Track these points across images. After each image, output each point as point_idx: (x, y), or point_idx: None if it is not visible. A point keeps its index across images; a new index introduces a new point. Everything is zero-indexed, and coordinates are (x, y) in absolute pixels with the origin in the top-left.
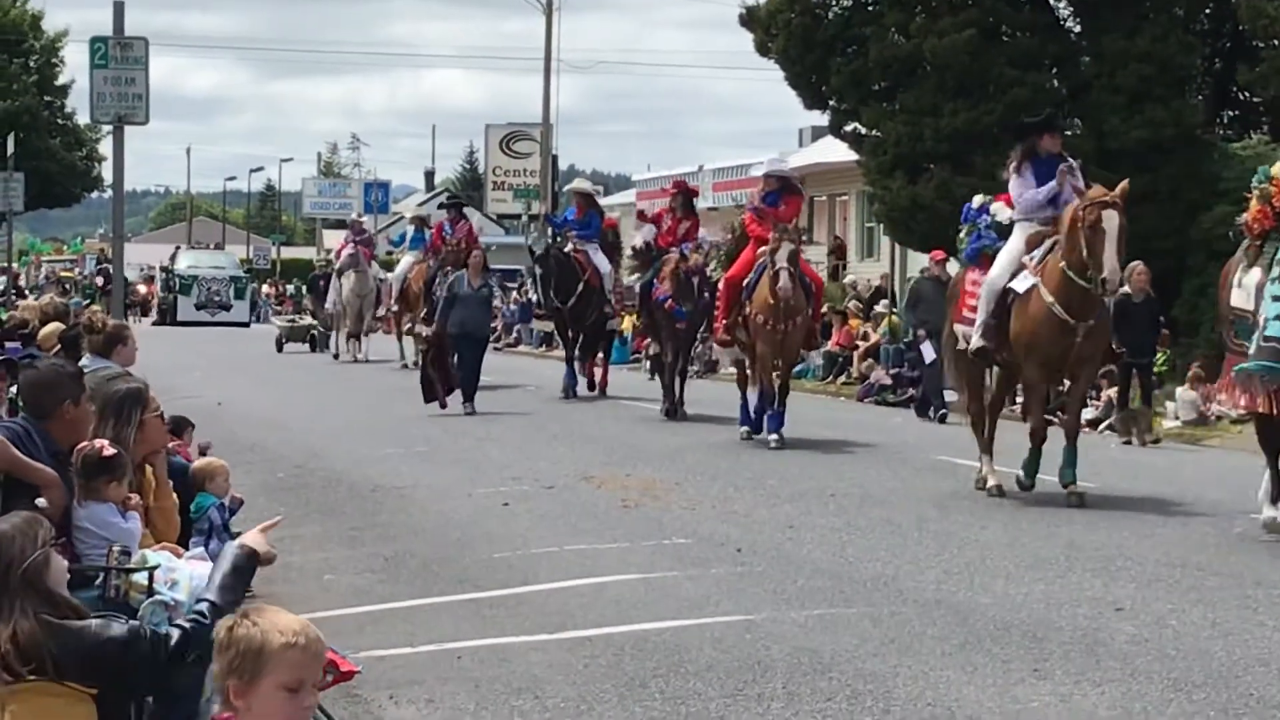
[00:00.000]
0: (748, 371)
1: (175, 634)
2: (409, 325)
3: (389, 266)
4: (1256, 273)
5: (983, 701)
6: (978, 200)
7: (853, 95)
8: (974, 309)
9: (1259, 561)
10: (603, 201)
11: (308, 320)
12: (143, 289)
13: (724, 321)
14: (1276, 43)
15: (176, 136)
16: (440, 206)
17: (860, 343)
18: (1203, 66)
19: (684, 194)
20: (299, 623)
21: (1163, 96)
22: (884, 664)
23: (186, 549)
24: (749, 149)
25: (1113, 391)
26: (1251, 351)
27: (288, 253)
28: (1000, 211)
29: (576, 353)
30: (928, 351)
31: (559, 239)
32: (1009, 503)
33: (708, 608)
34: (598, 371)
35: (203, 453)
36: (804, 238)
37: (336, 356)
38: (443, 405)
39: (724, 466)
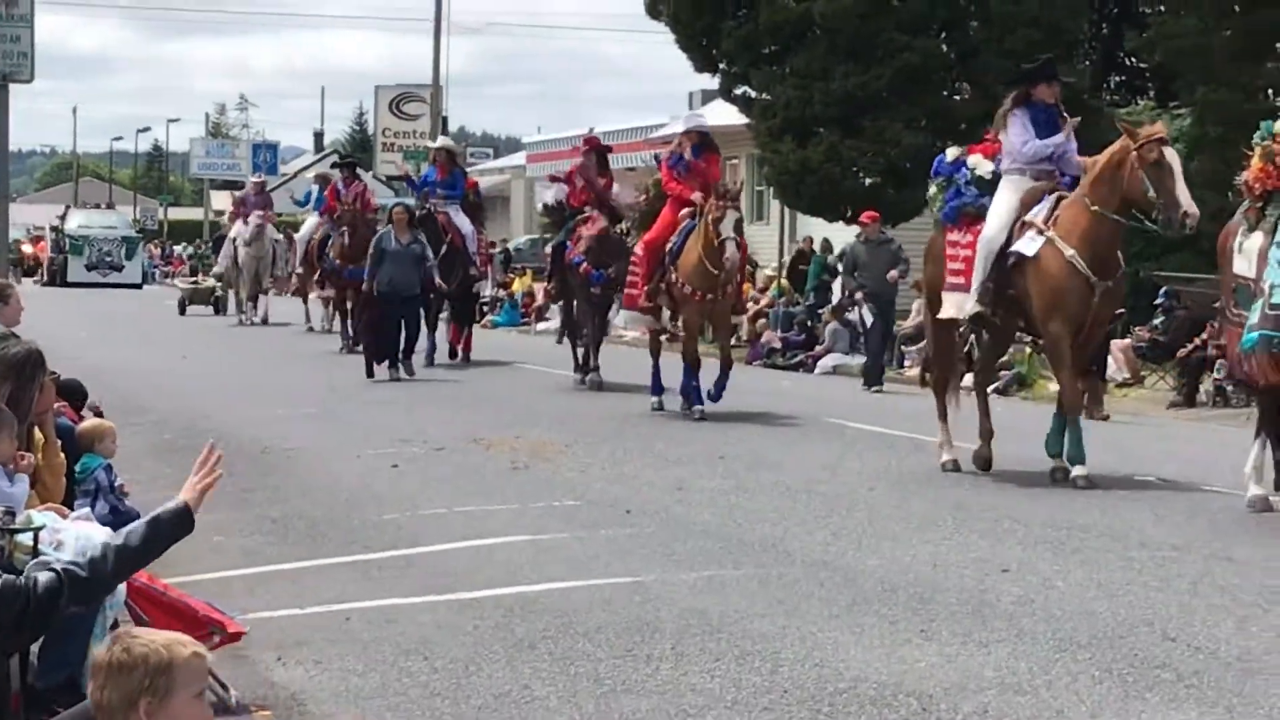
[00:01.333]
0: (663, 340)
1: (45, 578)
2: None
3: (295, 227)
4: (1258, 237)
5: (870, 662)
6: (951, 153)
7: (743, 59)
8: (958, 273)
9: (1143, 523)
10: (494, 163)
11: (210, 282)
12: (29, 249)
13: (645, 288)
14: (1163, 9)
15: (62, 96)
16: (333, 166)
17: (750, 305)
18: (1090, 32)
19: (597, 151)
20: (182, 634)
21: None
22: (772, 625)
23: (72, 510)
24: (640, 112)
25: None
26: (1254, 321)
27: (175, 214)
28: (980, 165)
29: (441, 317)
30: (866, 316)
31: (421, 200)
32: (896, 466)
33: (596, 569)
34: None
35: (96, 414)
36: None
37: (241, 320)
38: (369, 374)
39: (613, 430)
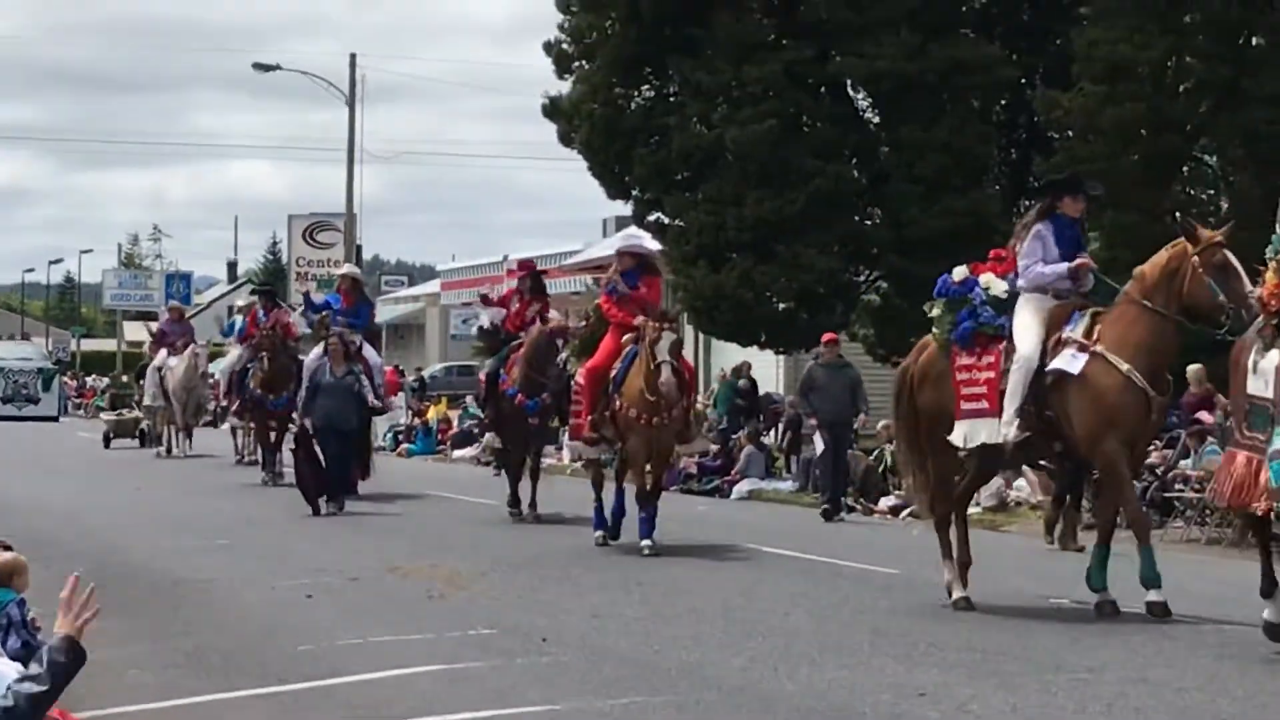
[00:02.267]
0: (605, 470)
1: None
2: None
3: (214, 358)
4: (1275, 355)
5: None
6: (958, 273)
7: (656, 185)
8: (977, 397)
9: (1058, 646)
10: (408, 291)
11: (135, 414)
12: None
13: (589, 417)
14: (1071, 134)
15: None
16: (252, 293)
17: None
18: (1000, 157)
19: (533, 275)
20: None
21: (961, 186)
22: None
23: None
24: (553, 239)
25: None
26: (1277, 447)
27: (88, 345)
28: (994, 285)
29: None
30: (819, 443)
31: (318, 325)
32: (813, 590)
33: (513, 698)
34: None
35: (4, 548)
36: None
37: (169, 452)
38: (315, 510)
39: (530, 556)
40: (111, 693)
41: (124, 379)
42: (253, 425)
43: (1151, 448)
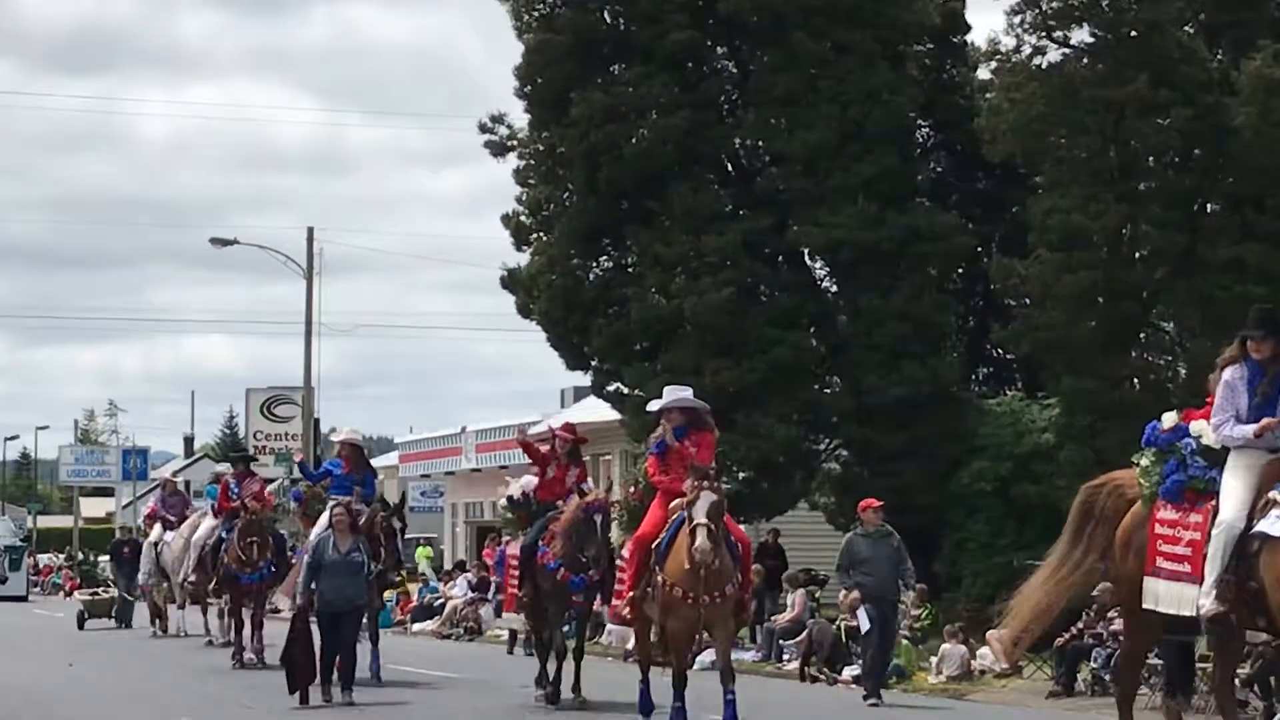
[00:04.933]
0: (652, 653)
1: None
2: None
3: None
4: None
5: None
6: (1168, 420)
7: (614, 355)
8: (1179, 558)
9: None
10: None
11: (112, 593)
12: None
13: (630, 594)
14: (1028, 301)
15: None
16: (227, 459)
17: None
18: (957, 324)
19: (574, 441)
20: None
21: (919, 354)
22: None
23: None
24: (512, 409)
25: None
26: None
27: (44, 521)
28: (1205, 433)
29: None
30: (863, 620)
31: (307, 497)
32: None
33: None
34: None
35: None
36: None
37: (165, 631)
38: (303, 700)
39: None
40: None
41: (82, 556)
42: (222, 602)
43: (1113, 613)
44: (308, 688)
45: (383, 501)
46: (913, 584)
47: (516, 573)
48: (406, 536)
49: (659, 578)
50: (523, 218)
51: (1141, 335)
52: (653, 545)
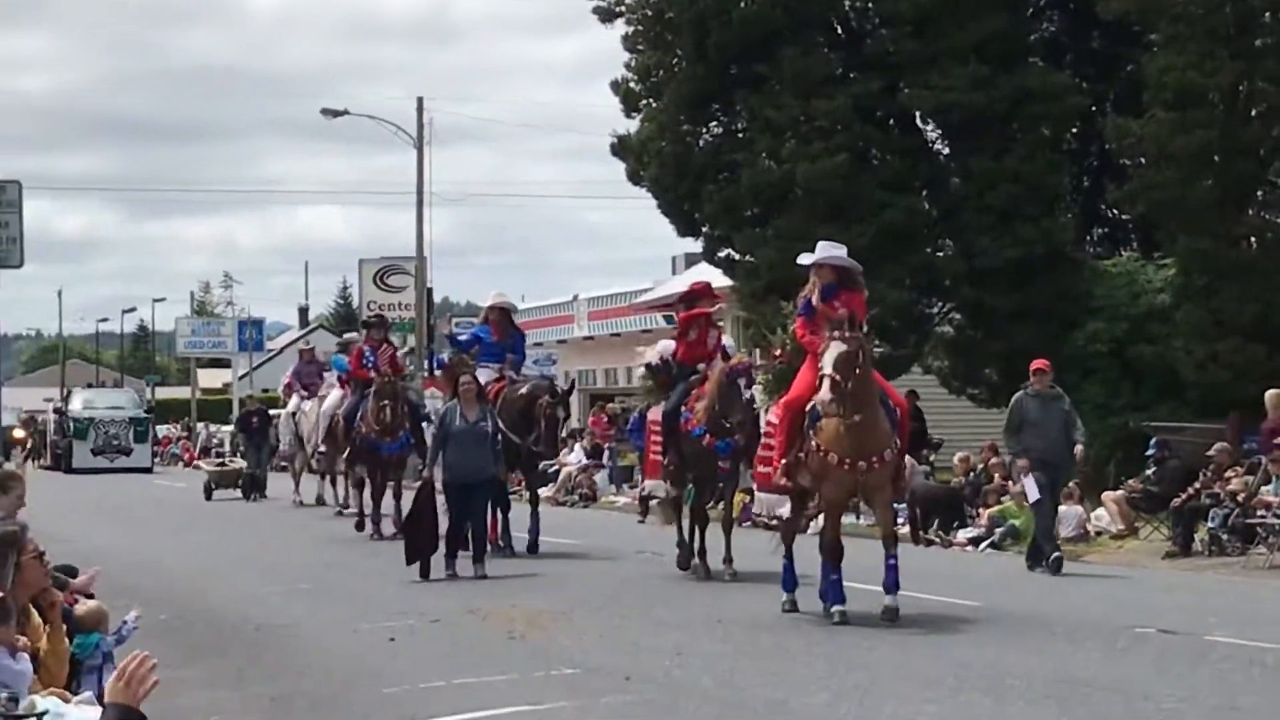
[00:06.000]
0: (803, 521)
1: None
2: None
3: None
4: None
5: None
6: None
7: (725, 221)
8: None
9: (1146, 676)
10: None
11: (239, 464)
12: (20, 433)
13: (781, 460)
14: (1143, 161)
15: (47, 279)
16: (362, 325)
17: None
18: (1071, 185)
19: (688, 297)
20: None
21: (1033, 215)
22: None
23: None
24: (623, 277)
25: (992, 510)
26: None
27: (162, 393)
28: None
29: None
30: (1031, 488)
31: (455, 362)
32: (898, 624)
33: None
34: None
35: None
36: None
37: (304, 502)
38: (424, 574)
39: (610, 596)
40: None
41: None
42: (353, 473)
43: (1232, 473)
44: (428, 560)
45: (550, 386)
46: (1083, 443)
47: (659, 439)
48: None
49: (813, 443)
50: (632, 84)
51: (1258, 193)
52: (805, 409)
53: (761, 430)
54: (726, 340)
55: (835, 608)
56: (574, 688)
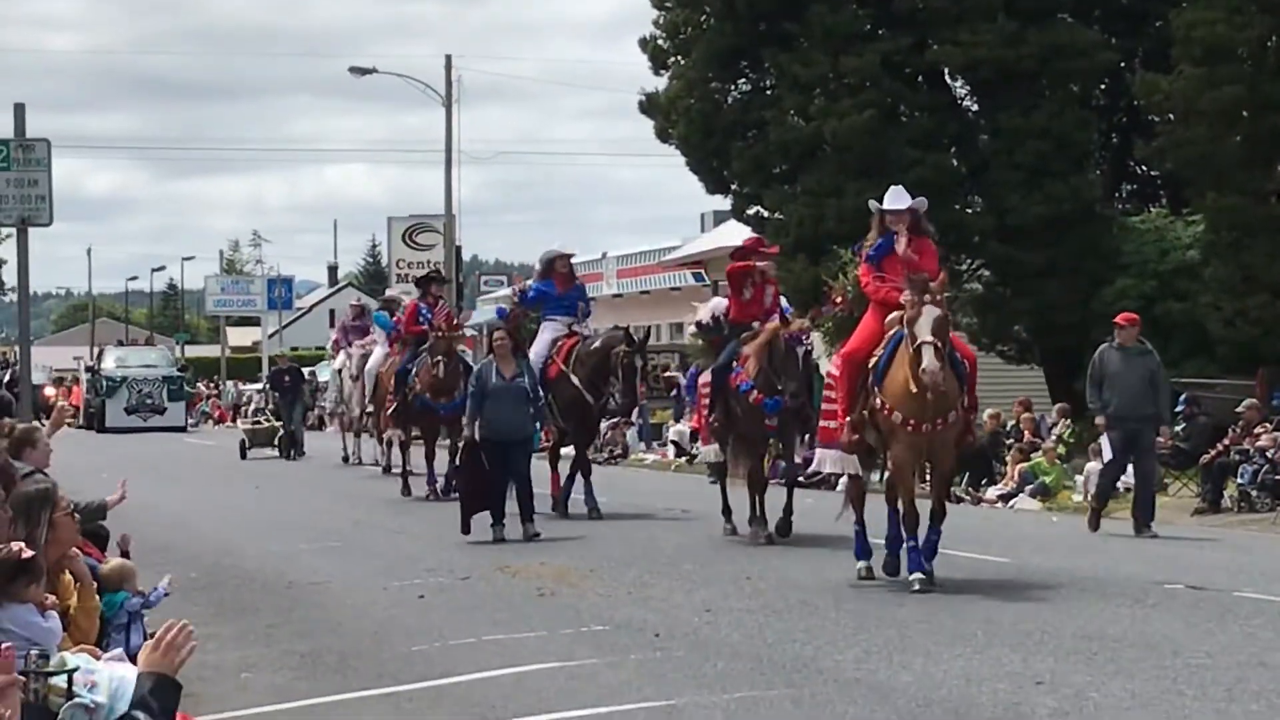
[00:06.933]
0: (875, 484)
1: None
2: (385, 426)
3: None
4: None
5: None
6: None
7: (754, 179)
8: None
9: (1175, 632)
10: (508, 291)
11: (273, 422)
12: (50, 391)
13: (846, 418)
14: (1172, 117)
15: (76, 238)
16: (417, 283)
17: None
18: (1100, 142)
19: (743, 251)
20: None
21: (1061, 172)
22: None
23: (105, 651)
24: (652, 235)
25: (1023, 465)
26: None
27: (191, 351)
28: None
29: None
30: (1105, 448)
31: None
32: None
33: (629, 694)
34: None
35: (123, 551)
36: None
37: (347, 459)
38: (465, 529)
39: (638, 553)
40: (227, 695)
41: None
42: (401, 434)
43: (1261, 429)
44: (470, 519)
45: (627, 335)
46: (1165, 414)
47: (708, 401)
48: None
49: (876, 400)
50: (660, 41)
51: None
52: (869, 364)
53: (821, 389)
54: (784, 303)
55: (914, 575)
56: (603, 645)
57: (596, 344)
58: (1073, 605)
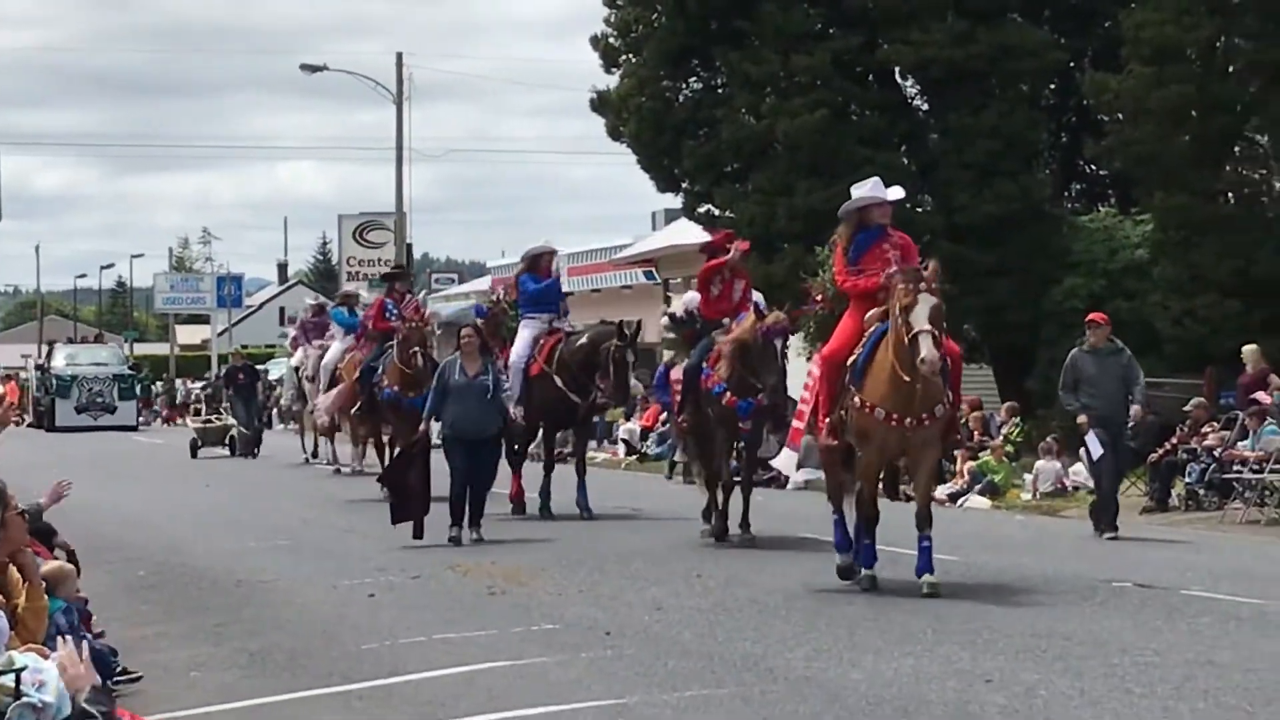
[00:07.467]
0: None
1: None
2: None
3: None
4: None
5: None
6: None
7: (705, 177)
8: None
9: (1123, 630)
10: (459, 289)
11: (225, 420)
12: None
13: (826, 417)
14: (1121, 116)
15: (24, 235)
16: (383, 278)
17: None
18: (1050, 141)
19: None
20: None
21: (1011, 171)
22: None
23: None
24: (603, 233)
25: (971, 464)
26: None
27: (141, 349)
28: None
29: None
30: (1094, 445)
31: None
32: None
33: (579, 692)
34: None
35: (69, 554)
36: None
37: (312, 459)
38: (417, 534)
39: (589, 551)
40: (176, 694)
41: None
42: (359, 430)
43: (1209, 428)
44: (421, 520)
45: (619, 329)
46: (1142, 402)
47: (680, 398)
48: None
49: (855, 399)
50: (611, 39)
51: (1235, 149)
52: (847, 363)
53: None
54: (758, 295)
55: (864, 572)
56: (553, 643)
57: (583, 340)
58: (1022, 603)
